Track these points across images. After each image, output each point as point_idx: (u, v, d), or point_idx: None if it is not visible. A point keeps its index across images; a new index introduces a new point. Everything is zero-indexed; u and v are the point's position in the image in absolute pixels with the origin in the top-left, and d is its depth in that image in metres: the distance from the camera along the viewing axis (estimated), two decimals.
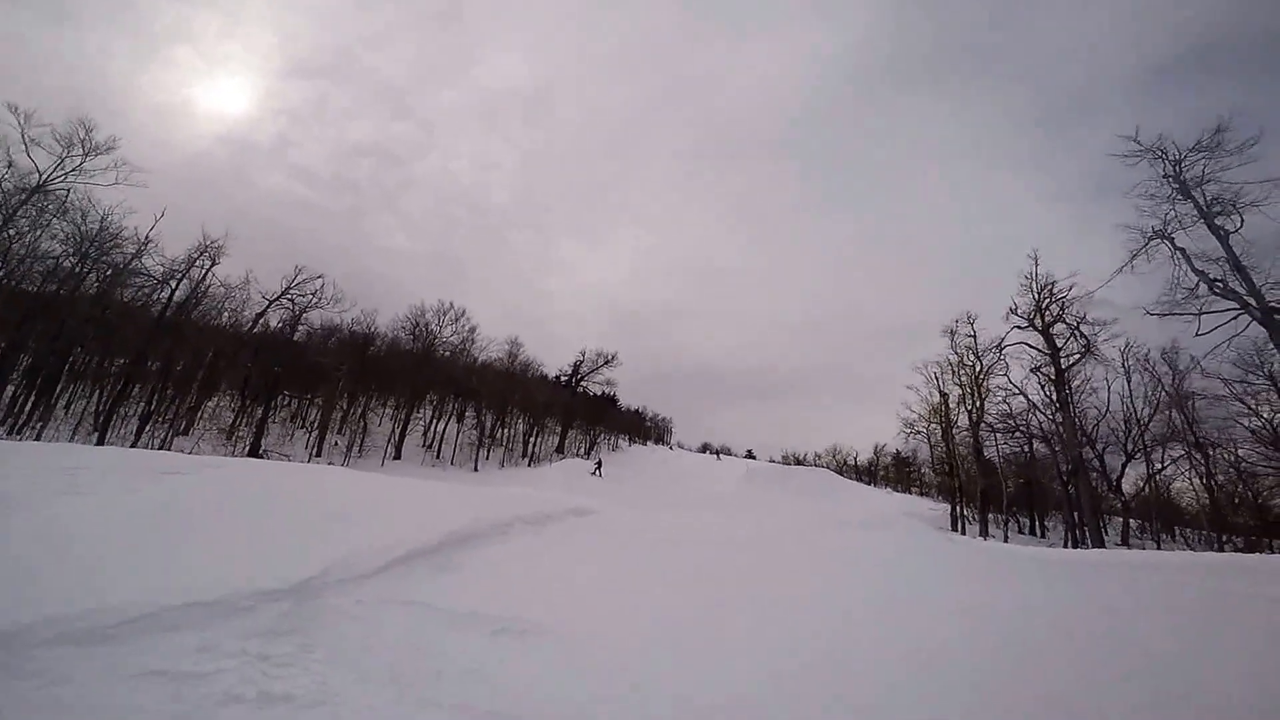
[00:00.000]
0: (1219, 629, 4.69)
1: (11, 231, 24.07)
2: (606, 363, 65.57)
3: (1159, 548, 27.70)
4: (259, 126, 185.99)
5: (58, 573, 3.62)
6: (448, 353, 48.17)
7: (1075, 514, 27.42)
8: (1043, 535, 32.85)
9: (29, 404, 25.27)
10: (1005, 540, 27.09)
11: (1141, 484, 31.78)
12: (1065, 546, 25.66)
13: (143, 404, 28.99)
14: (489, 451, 47.12)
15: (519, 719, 3.00)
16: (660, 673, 3.60)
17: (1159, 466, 30.22)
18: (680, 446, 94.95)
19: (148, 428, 27.97)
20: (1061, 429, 27.50)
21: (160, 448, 26.26)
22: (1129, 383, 30.14)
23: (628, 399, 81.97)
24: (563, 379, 66.12)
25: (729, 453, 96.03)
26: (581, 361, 66.31)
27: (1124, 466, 30.80)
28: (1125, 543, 28.64)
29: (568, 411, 60.88)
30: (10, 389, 25.56)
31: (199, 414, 33.88)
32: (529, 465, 47.18)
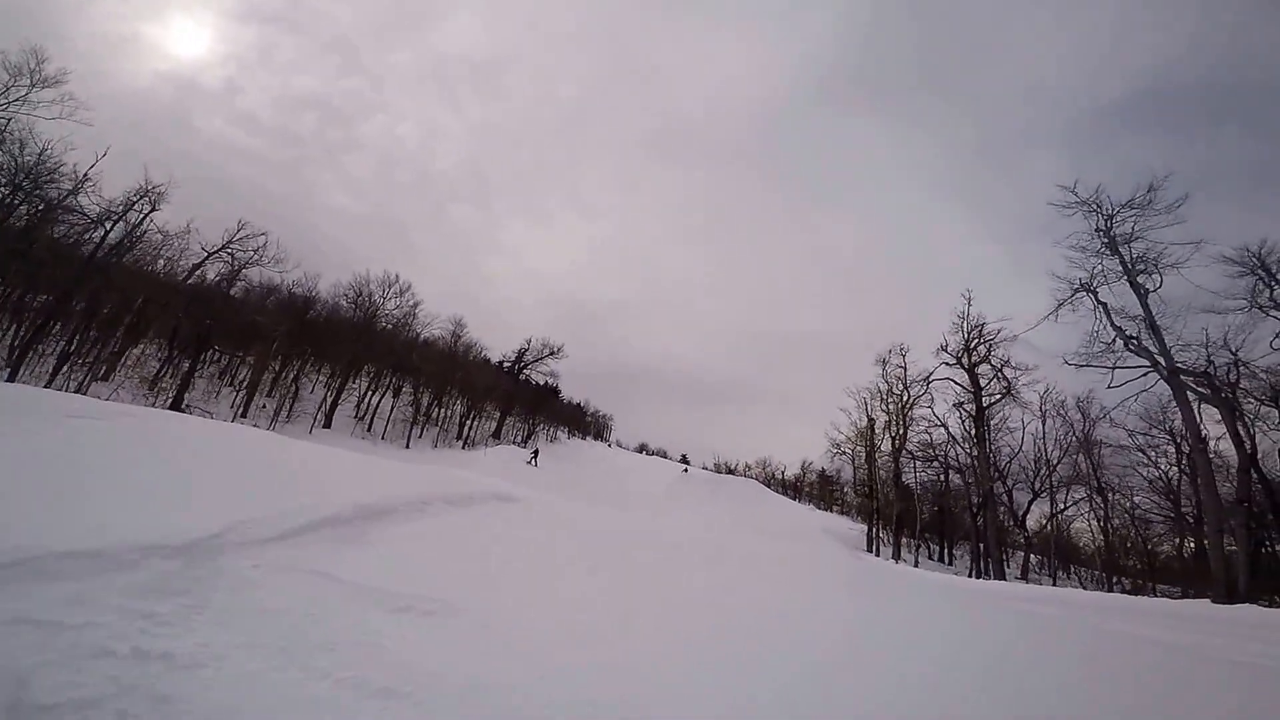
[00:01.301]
0: (1104, 667, 5.06)
1: None
2: (552, 353, 65.17)
3: (1054, 583, 29.63)
4: (206, 69, 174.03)
5: None
6: (390, 325, 46.77)
7: (981, 544, 29.12)
8: (950, 563, 34.72)
9: None
10: (915, 564, 28.50)
11: (1045, 521, 33.99)
12: (971, 575, 27.17)
13: (62, 343, 26.97)
14: (423, 430, 45.95)
15: (409, 695, 2.96)
16: (563, 657, 3.65)
17: (1062, 506, 32.43)
18: (619, 445, 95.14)
19: (65, 368, 26.04)
20: (976, 463, 29.22)
21: (77, 391, 24.38)
22: (1044, 425, 32.45)
23: (570, 391, 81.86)
24: (506, 365, 65.16)
25: (665, 455, 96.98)
26: (526, 349, 65.65)
27: (1030, 503, 33.24)
28: (1024, 576, 30.60)
29: (508, 398, 60.06)
30: None
31: (122, 360, 31.69)
32: (463, 448, 46.26)
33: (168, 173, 31.14)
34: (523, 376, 65.46)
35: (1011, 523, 33.93)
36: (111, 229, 28.58)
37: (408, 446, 40.23)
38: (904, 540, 33.99)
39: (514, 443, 55.34)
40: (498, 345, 73.37)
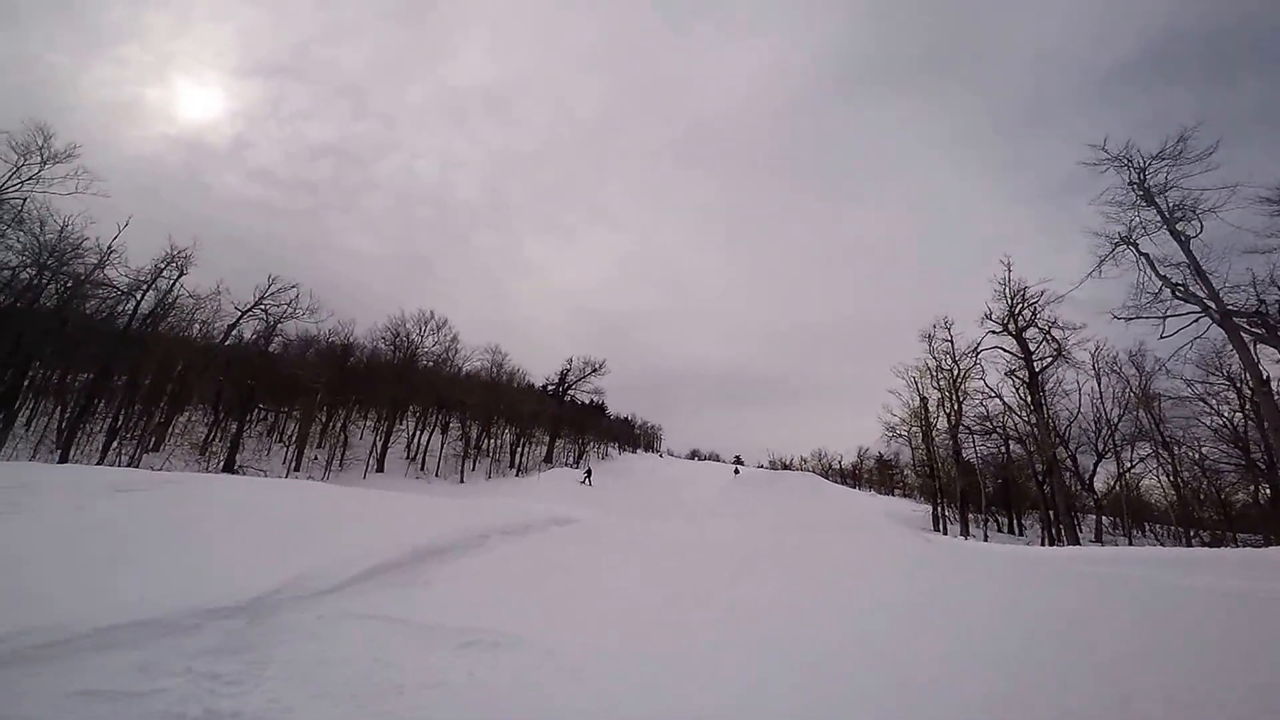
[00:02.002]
0: (1187, 623, 4.73)
1: None
2: (594, 370, 65.34)
3: (1130, 543, 28.25)
4: (214, 128, 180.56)
5: None
6: (430, 363, 47.58)
7: (1051, 512, 27.88)
8: (1020, 533, 33.28)
9: None
10: (985, 539, 27.44)
11: (1112, 482, 32.45)
12: (1042, 544, 26.05)
13: (109, 419, 28.05)
14: (475, 463, 46.55)
15: None
16: (633, 683, 3.52)
17: (1128, 465, 30.92)
18: (670, 453, 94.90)
19: (114, 444, 27.07)
20: (1036, 430, 28.01)
21: (129, 465, 25.48)
22: (1099, 384, 30.93)
23: (616, 406, 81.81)
24: (550, 388, 65.70)
25: (718, 458, 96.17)
26: (569, 370, 65.99)
27: (1096, 465, 31.62)
28: (1099, 539, 29.20)
29: (555, 421, 60.40)
30: None
31: (170, 429, 32.91)
32: (516, 475, 46.66)
33: (191, 236, 31.84)
34: (567, 397, 65.95)
35: (1079, 487, 32.45)
36: (142, 299, 29.08)
37: (462, 481, 40.74)
38: (971, 516, 32.69)
39: (565, 464, 55.56)
40: (536, 368, 74.40)
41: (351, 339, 44.32)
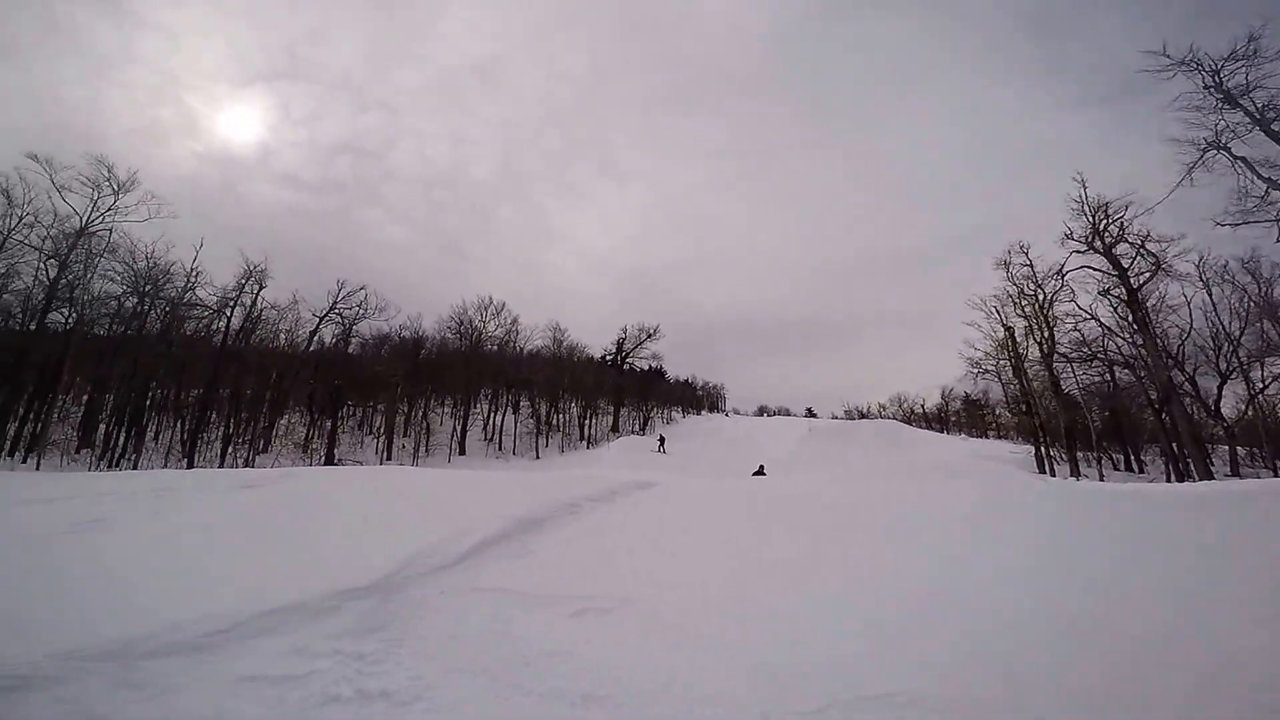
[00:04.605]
0: None
1: (70, 277, 25.32)
2: (649, 336, 65.47)
3: (1275, 474, 25.43)
4: (237, 139, 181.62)
5: (153, 587, 3.76)
6: (495, 347, 49.15)
7: (1174, 445, 25.57)
8: (1140, 470, 30.79)
9: (121, 438, 27.21)
10: (1101, 479, 25.63)
11: (1243, 406, 28.96)
12: (1167, 481, 24.01)
13: (222, 428, 30.84)
14: (547, 438, 48.03)
15: (609, 699, 2.92)
16: (742, 640, 3.50)
17: (1260, 385, 27.57)
18: (736, 412, 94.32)
19: (230, 449, 29.77)
20: (1144, 352, 25.64)
21: (244, 466, 27.91)
22: (1210, 296, 27.53)
23: (675, 370, 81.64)
24: (608, 358, 66.40)
25: (788, 413, 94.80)
26: (624, 339, 66.41)
27: (1220, 388, 28.13)
28: (1235, 471, 26.18)
29: (618, 390, 61.20)
30: (102, 426, 27.71)
31: (274, 431, 35.83)
32: (587, 447, 47.85)
33: (263, 251, 33.54)
34: (627, 365, 66.60)
35: (1204, 414, 29.25)
36: (232, 315, 31.58)
37: (537, 457, 42.22)
38: (1080, 455, 30.51)
39: (632, 432, 56.52)
40: (581, 338, 74.50)
41: (421, 331, 46.37)
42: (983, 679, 2.86)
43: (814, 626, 3.63)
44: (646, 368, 68.40)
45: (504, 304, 49.81)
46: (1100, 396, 32.52)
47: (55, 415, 25.93)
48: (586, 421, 54.30)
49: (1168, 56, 18.29)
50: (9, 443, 23.89)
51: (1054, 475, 27.62)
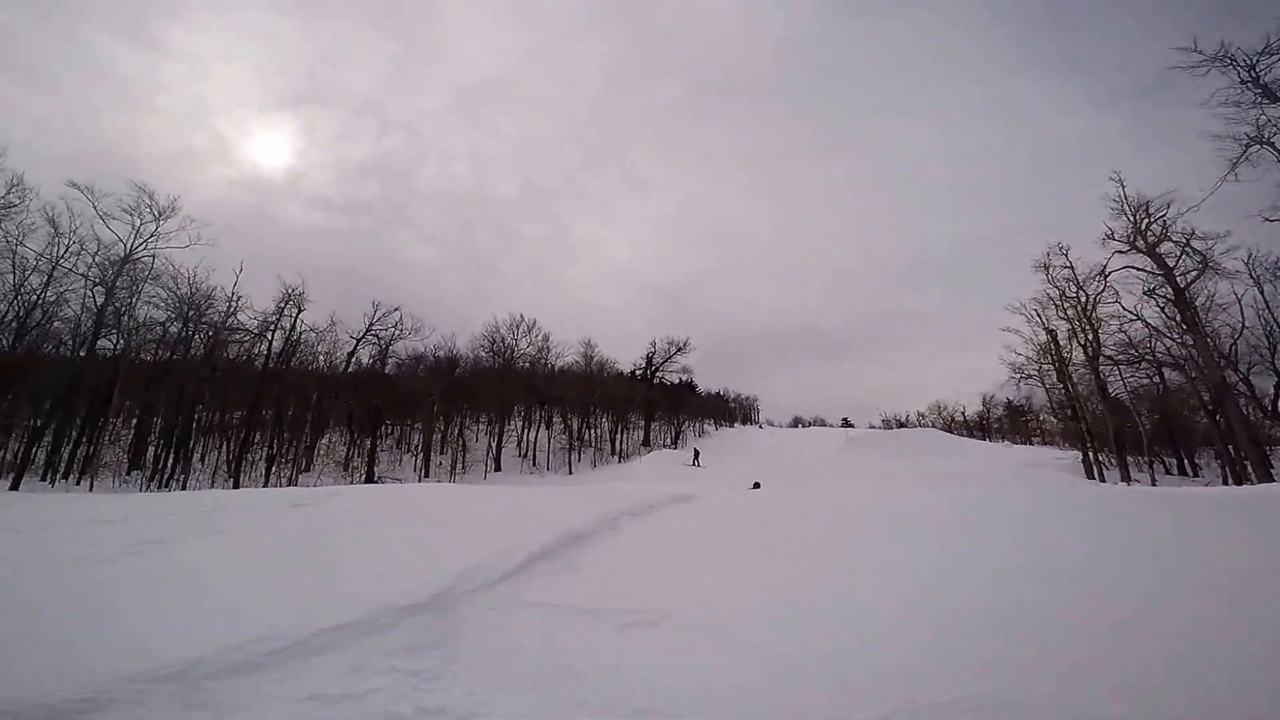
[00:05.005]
0: None
1: (116, 303, 26.22)
2: (679, 349, 65.06)
3: None
4: (267, 162, 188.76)
5: (212, 606, 3.85)
6: (527, 364, 49.70)
7: (1230, 447, 24.31)
8: (1195, 474, 29.33)
9: (169, 460, 28.29)
10: (1153, 484, 24.49)
11: None
12: (1225, 483, 22.82)
13: (266, 448, 31.82)
14: (580, 453, 48.16)
15: (660, 712, 2.89)
16: (795, 650, 3.48)
17: None
18: (770, 423, 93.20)
19: (274, 469, 30.66)
20: (1194, 352, 24.50)
21: (288, 485, 28.68)
22: (1262, 293, 26.26)
23: (706, 382, 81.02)
24: (637, 372, 66.27)
25: (823, 423, 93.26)
26: (654, 352, 66.12)
27: (1277, 387, 26.92)
28: None
29: (648, 404, 61.02)
30: (151, 448, 28.87)
31: (316, 451, 36.79)
32: (619, 462, 47.77)
33: (299, 274, 34.27)
34: (657, 379, 66.33)
35: (1260, 414, 27.84)
36: (273, 338, 32.35)
37: (570, 472, 42.32)
38: (1130, 460, 29.21)
39: (663, 446, 56.21)
40: (612, 353, 74.29)
41: (455, 351, 47.17)
42: (1042, 681, 2.84)
43: (871, 634, 3.60)
44: (677, 381, 68.07)
45: (535, 321, 50.43)
46: (1149, 399, 31.23)
47: (106, 438, 26.95)
48: (618, 436, 54.27)
49: (1200, 52, 17.97)
50: (64, 465, 25.04)
51: (1104, 480, 26.55)
